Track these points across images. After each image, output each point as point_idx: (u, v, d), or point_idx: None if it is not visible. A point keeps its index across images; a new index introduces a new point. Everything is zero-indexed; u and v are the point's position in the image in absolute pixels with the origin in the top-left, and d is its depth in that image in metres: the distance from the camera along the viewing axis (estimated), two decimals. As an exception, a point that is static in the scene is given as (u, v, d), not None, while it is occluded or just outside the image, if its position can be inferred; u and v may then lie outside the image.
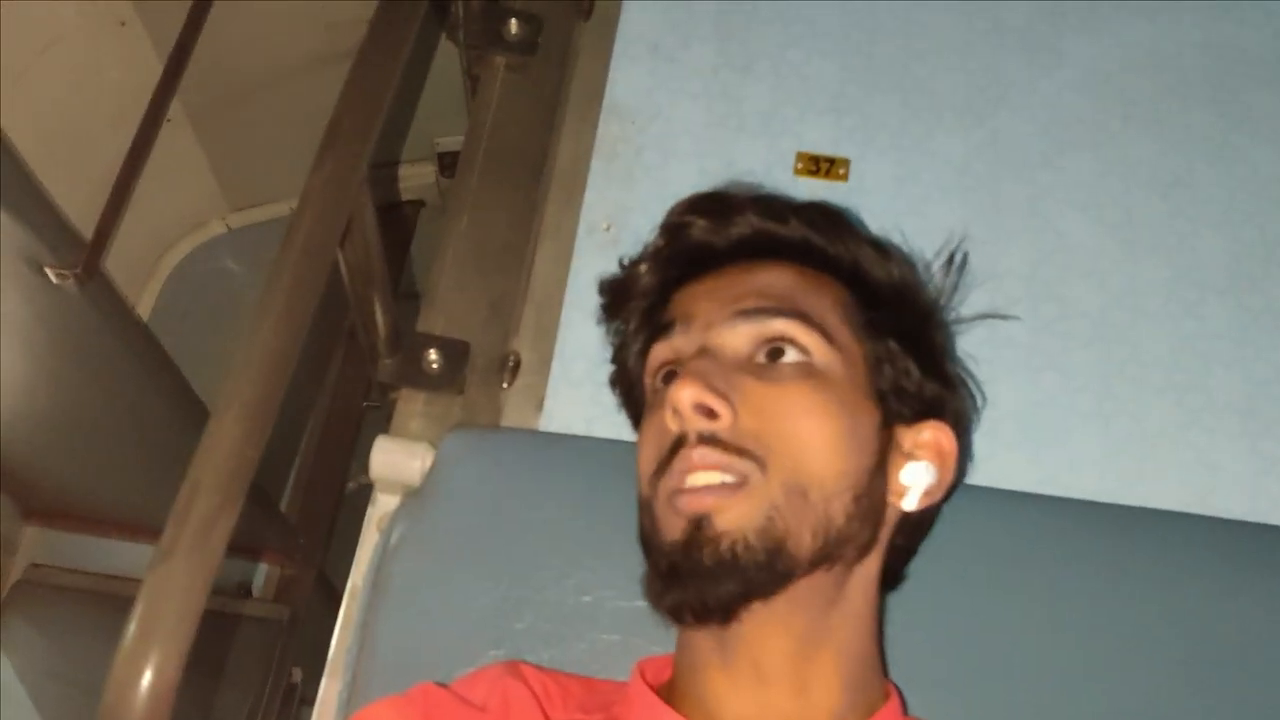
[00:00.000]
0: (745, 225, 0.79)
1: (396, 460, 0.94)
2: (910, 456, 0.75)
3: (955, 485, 0.79)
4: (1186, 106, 1.14)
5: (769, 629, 0.68)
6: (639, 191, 1.09)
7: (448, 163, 2.13)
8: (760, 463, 0.67)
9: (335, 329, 2.37)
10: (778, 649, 0.69)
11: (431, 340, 1.00)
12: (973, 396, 0.91)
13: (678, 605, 0.67)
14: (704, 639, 0.70)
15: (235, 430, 0.71)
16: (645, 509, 0.72)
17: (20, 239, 1.30)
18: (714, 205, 0.81)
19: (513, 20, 1.14)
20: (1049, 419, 0.99)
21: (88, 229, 1.52)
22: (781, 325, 0.72)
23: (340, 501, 2.38)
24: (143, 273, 2.08)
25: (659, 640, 0.83)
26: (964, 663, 0.84)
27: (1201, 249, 1.07)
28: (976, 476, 0.93)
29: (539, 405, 1.00)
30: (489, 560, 0.87)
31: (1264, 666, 0.83)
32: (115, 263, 1.74)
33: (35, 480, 2.00)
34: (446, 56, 1.51)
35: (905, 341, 0.78)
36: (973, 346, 0.97)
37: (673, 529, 0.68)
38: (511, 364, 1.02)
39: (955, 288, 0.92)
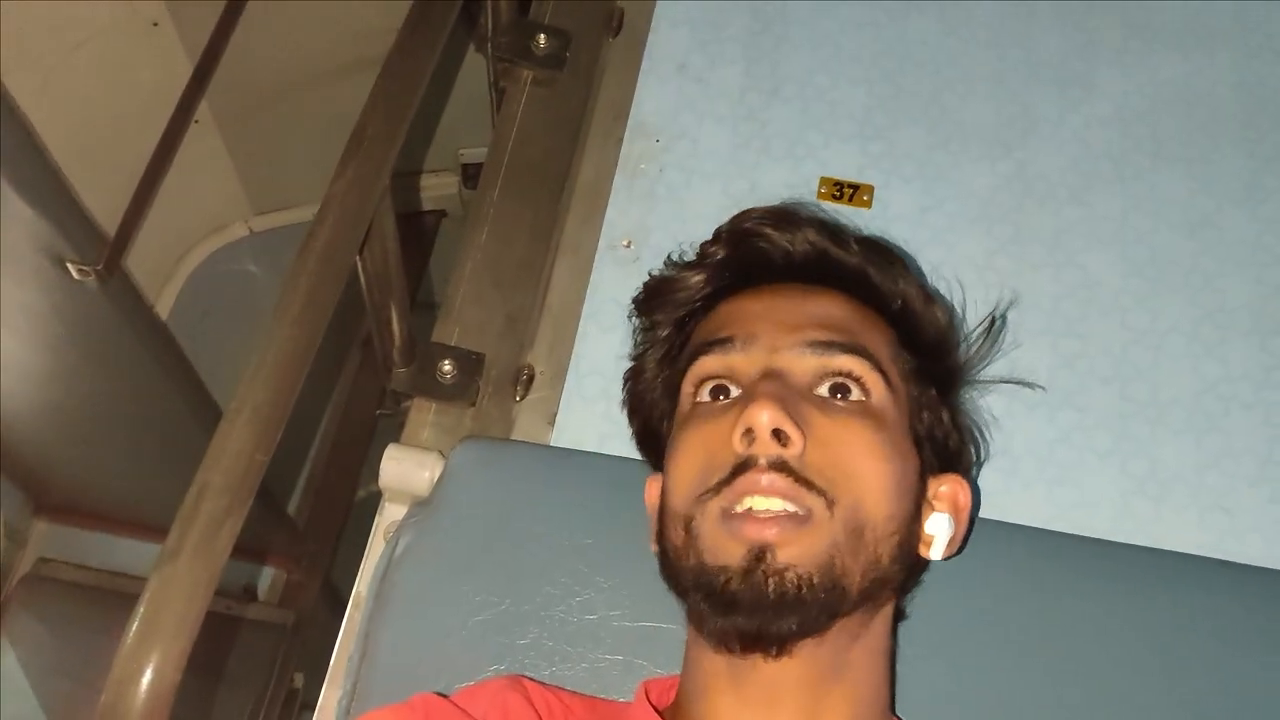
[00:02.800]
0: (809, 245, 0.78)
1: (406, 469, 0.93)
2: (932, 507, 0.76)
3: (968, 535, 0.79)
4: (1216, 146, 1.13)
5: (793, 661, 0.67)
6: (660, 211, 1.09)
7: (471, 174, 2.13)
8: (827, 499, 0.66)
9: (351, 336, 2.38)
10: (796, 680, 0.68)
11: (446, 350, 1.00)
12: (978, 450, 0.92)
13: (732, 632, 0.66)
14: (717, 663, 0.69)
15: (246, 434, 0.71)
16: (679, 523, 0.69)
17: (43, 233, 1.31)
18: (781, 219, 0.79)
19: (541, 35, 1.14)
20: (1065, 456, 0.98)
21: (111, 226, 1.53)
22: (848, 362, 0.71)
23: (349, 509, 2.39)
24: (164, 272, 2.10)
25: (663, 662, 0.82)
26: (973, 698, 0.82)
27: (1226, 290, 1.06)
28: (991, 510, 0.92)
29: (551, 420, 1.00)
30: (494, 574, 0.86)
31: (1271, 710, 0.82)
32: (137, 261, 1.76)
33: (46, 474, 2.00)
34: (473, 68, 1.52)
35: (942, 391, 0.79)
36: (992, 382, 0.96)
37: (727, 553, 0.66)
38: (525, 377, 1.02)
39: (991, 350, 0.93)
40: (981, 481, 0.94)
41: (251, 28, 1.72)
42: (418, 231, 2.33)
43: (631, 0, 1.21)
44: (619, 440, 0.98)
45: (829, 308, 0.75)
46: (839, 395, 0.71)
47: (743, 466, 0.67)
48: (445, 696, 0.73)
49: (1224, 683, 0.83)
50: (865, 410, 0.70)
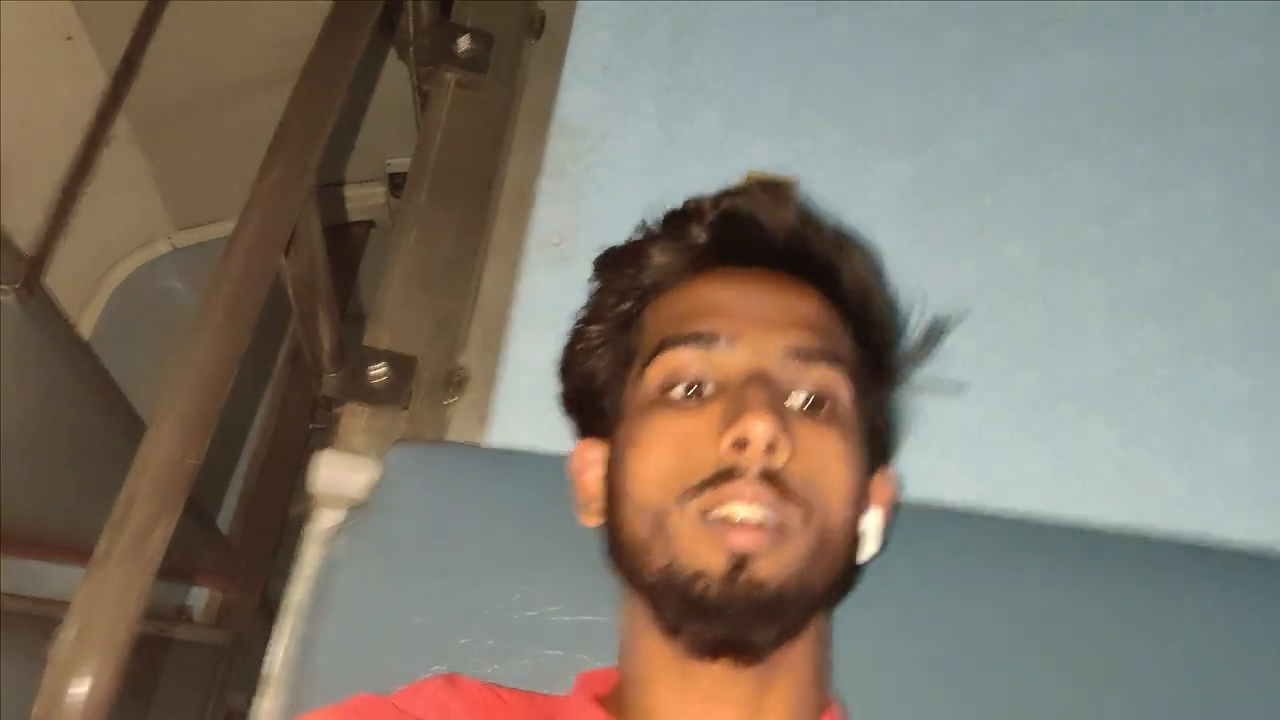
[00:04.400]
0: (792, 235, 0.76)
1: (339, 474, 0.93)
2: (868, 503, 0.76)
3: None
4: (1127, 135, 1.16)
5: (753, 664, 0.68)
6: (588, 210, 1.09)
7: (398, 183, 2.12)
8: (805, 510, 0.67)
9: (279, 349, 2.35)
10: (745, 677, 0.69)
11: (377, 355, 1.00)
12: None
13: (711, 639, 0.66)
14: (663, 655, 0.70)
15: (173, 439, 0.70)
16: (645, 516, 0.69)
17: (-42, 251, 1.28)
18: (767, 201, 0.78)
19: (463, 37, 1.14)
20: (993, 436, 1.00)
21: (30, 245, 1.50)
22: (827, 374, 0.71)
23: (284, 526, 2.35)
24: (85, 290, 2.05)
25: (603, 655, 0.82)
26: (906, 676, 0.84)
27: (1141, 274, 1.09)
28: (924, 491, 0.94)
29: (484, 421, 1.00)
30: (432, 575, 0.86)
31: (1196, 679, 0.84)
32: (57, 279, 1.72)
33: (-35, 501, 1.95)
34: (397, 77, 1.51)
35: (885, 389, 0.79)
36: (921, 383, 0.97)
37: (706, 558, 0.65)
38: (457, 379, 1.02)
39: (930, 354, 0.92)
40: (914, 464, 0.95)
41: (169, 39, 1.70)
42: (346, 242, 2.31)
43: (553, 2, 1.21)
44: (553, 439, 0.98)
45: (805, 305, 0.74)
46: (815, 404, 0.70)
47: (729, 473, 0.66)
48: (382, 696, 0.72)
49: (1148, 651, 0.85)
50: (837, 418, 0.71)
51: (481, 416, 1.00)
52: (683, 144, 1.13)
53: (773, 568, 0.65)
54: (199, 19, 1.75)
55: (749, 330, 0.71)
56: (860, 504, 0.72)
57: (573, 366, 0.81)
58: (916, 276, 1.04)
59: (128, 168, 1.93)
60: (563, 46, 1.17)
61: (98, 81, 1.68)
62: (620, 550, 0.71)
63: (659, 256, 0.77)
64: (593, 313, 0.81)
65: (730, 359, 0.70)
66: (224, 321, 0.73)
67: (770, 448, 0.65)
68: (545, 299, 1.04)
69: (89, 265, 2.03)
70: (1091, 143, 1.15)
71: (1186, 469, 1.00)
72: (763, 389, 0.67)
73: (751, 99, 1.15)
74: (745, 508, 0.65)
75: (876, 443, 0.77)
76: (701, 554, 0.65)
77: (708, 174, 1.10)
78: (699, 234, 0.77)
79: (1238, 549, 0.94)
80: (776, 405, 0.67)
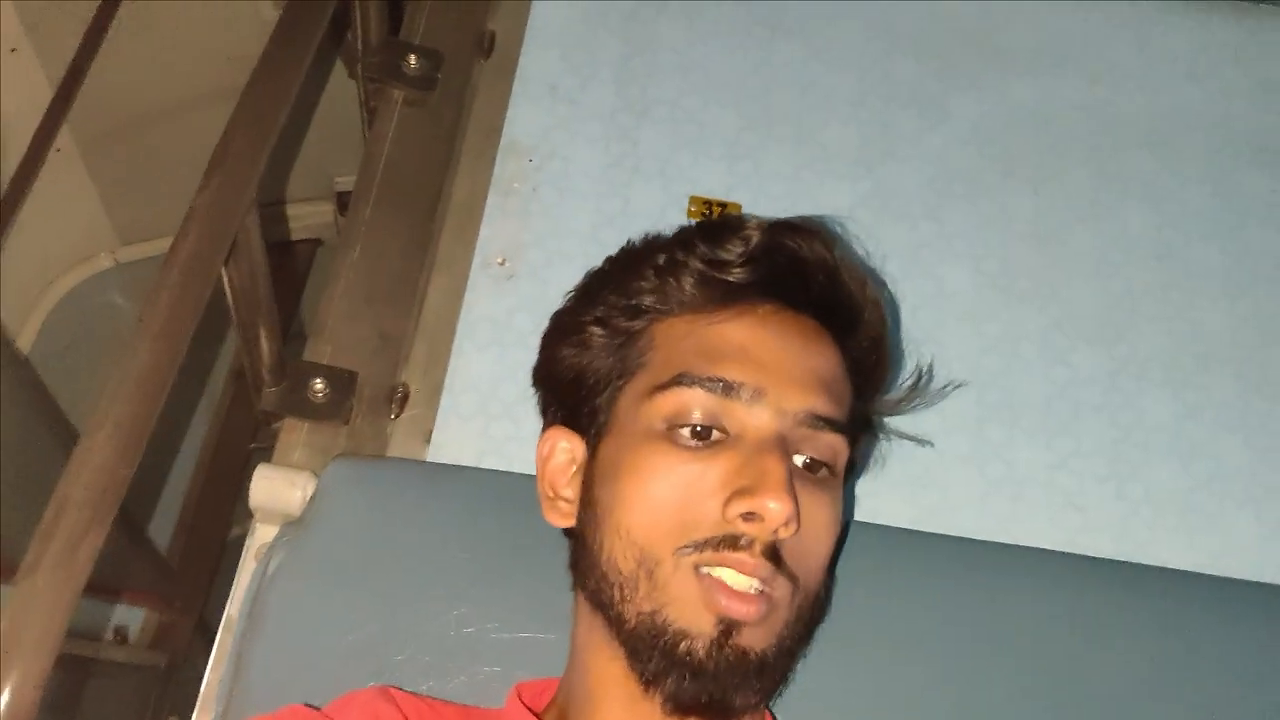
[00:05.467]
0: (825, 285, 0.75)
1: (277, 488, 0.92)
2: None
3: None
4: (1063, 164, 1.19)
5: None
6: (534, 228, 1.10)
7: (346, 201, 2.11)
8: (795, 585, 0.68)
9: (221, 369, 2.33)
10: None
11: (317, 369, 0.99)
12: None
13: (690, 698, 0.66)
14: (617, 676, 0.69)
15: (107, 448, 0.69)
16: (633, 554, 0.68)
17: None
18: (811, 242, 0.75)
19: (412, 55, 1.15)
20: (926, 459, 1.01)
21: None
22: (835, 442, 0.71)
23: (223, 547, 2.32)
24: (25, 305, 2.02)
25: (541, 671, 0.82)
26: (839, 691, 0.85)
27: (1074, 300, 1.11)
28: (857, 512, 0.95)
29: (427, 437, 1.00)
30: (369, 591, 0.85)
31: (1119, 694, 0.86)
32: (-4, 292, 1.70)
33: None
34: (348, 96, 1.51)
35: (864, 437, 0.81)
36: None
37: (697, 619, 0.66)
38: (400, 395, 1.02)
39: (914, 402, 0.93)
40: (846, 488, 0.97)
41: (115, 53, 1.69)
42: (292, 260, 2.29)
43: (502, 22, 1.22)
44: (496, 457, 0.98)
45: (826, 358, 0.73)
46: (817, 469, 0.71)
47: (734, 540, 0.66)
48: (314, 708, 0.72)
49: (1078, 671, 0.87)
50: (831, 484, 0.72)
51: (424, 433, 1.00)
52: (628, 165, 1.14)
53: (760, 637, 0.66)
54: (146, 33, 1.73)
55: (773, 387, 0.69)
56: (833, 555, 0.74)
57: (561, 355, 0.78)
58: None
59: (71, 181, 1.91)
60: (512, 66, 1.18)
61: (41, 94, 1.67)
62: (595, 571, 0.71)
63: (690, 283, 0.73)
64: (597, 309, 0.76)
65: (749, 415, 0.69)
66: (162, 330, 0.72)
67: (782, 527, 0.66)
68: (490, 317, 1.05)
69: (29, 279, 2.00)
70: (1029, 172, 1.18)
71: (1115, 492, 1.02)
72: (782, 463, 0.67)
73: (698, 122, 1.17)
74: (743, 578, 0.66)
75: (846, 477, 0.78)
76: (690, 614, 0.66)
77: (652, 195, 1.12)
78: (740, 271, 0.73)
79: (1169, 569, 0.96)
80: (790, 480, 0.66)
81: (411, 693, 0.76)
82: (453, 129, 1.15)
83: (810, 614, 0.71)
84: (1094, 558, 0.95)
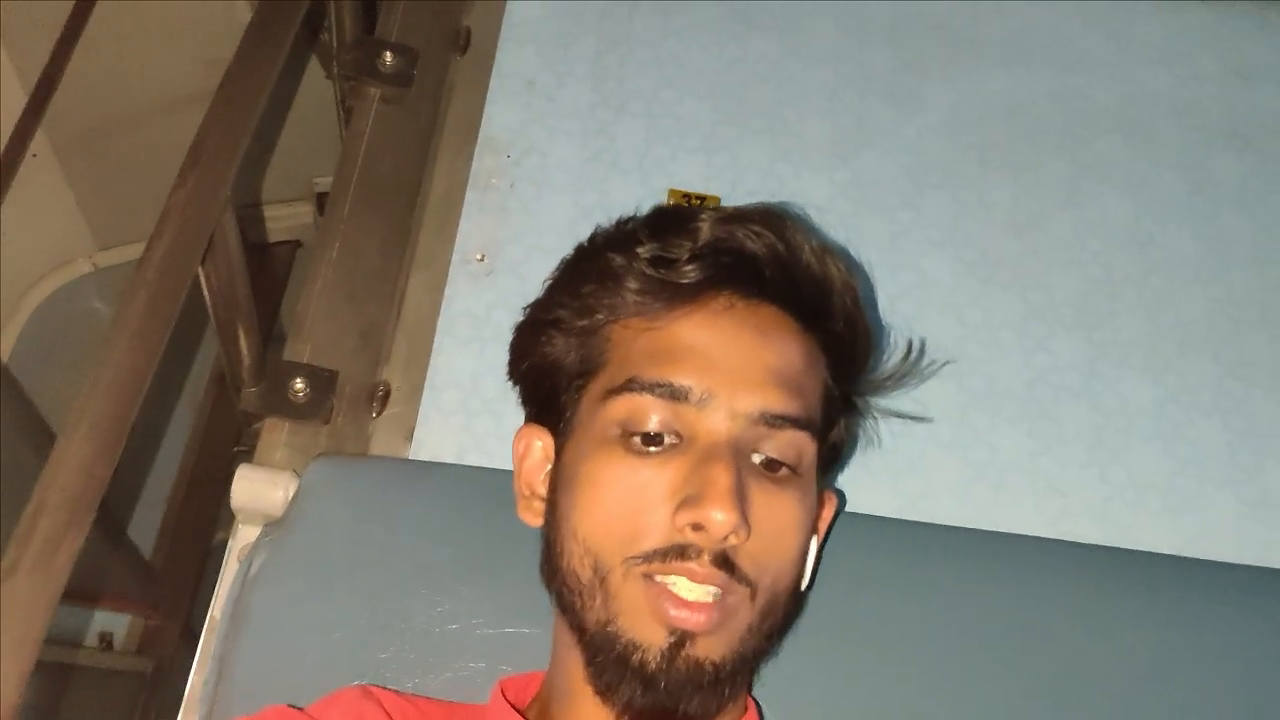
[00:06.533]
0: (783, 268, 0.72)
1: (258, 489, 0.91)
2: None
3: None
4: (1039, 152, 1.20)
5: None
6: (513, 224, 1.10)
7: (325, 203, 2.10)
8: (752, 590, 0.67)
9: (203, 373, 2.32)
10: None
11: (298, 368, 0.99)
12: None
13: (647, 709, 0.66)
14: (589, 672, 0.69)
15: (84, 448, 0.69)
16: (588, 560, 0.67)
17: None
18: (762, 232, 0.72)
19: (387, 52, 1.14)
20: (908, 446, 1.02)
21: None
22: (795, 439, 0.69)
23: (208, 551, 2.31)
24: (3, 311, 2.01)
25: (527, 666, 0.82)
26: (823, 679, 0.85)
27: (1052, 287, 1.12)
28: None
29: (408, 435, 0.99)
30: (352, 589, 0.85)
31: (1105, 678, 0.87)
32: (-28, 299, 1.69)
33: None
34: (326, 98, 1.51)
35: (849, 419, 0.79)
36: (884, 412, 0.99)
37: (648, 631, 0.65)
38: (381, 393, 1.01)
39: (904, 379, 0.92)
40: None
41: (91, 56, 1.67)
42: (273, 261, 2.29)
43: (478, 18, 1.22)
44: (478, 453, 0.98)
45: (785, 350, 0.71)
46: (776, 467, 0.69)
47: (682, 550, 0.65)
48: (297, 708, 0.72)
49: (1063, 655, 0.87)
50: (795, 481, 0.69)
51: (405, 431, 1.00)
52: (606, 160, 1.14)
53: (714, 646, 0.65)
54: (120, 37, 1.72)
55: (724, 388, 0.68)
56: (808, 551, 0.72)
57: (528, 353, 0.77)
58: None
59: (47, 186, 1.90)
60: (489, 62, 1.18)
61: (16, 98, 1.65)
62: (558, 576, 0.70)
63: (637, 288, 0.71)
64: (560, 317, 0.75)
65: (701, 418, 0.67)
66: (139, 329, 0.72)
67: (728, 537, 0.65)
68: (469, 313, 1.04)
69: (6, 286, 1.99)
70: (1005, 160, 1.19)
71: (1096, 477, 1.03)
72: (729, 469, 0.65)
73: (674, 116, 1.17)
74: (694, 588, 0.65)
75: (827, 467, 0.77)
76: (641, 625, 0.65)
77: (631, 189, 1.12)
78: (686, 270, 0.70)
79: (1151, 553, 0.97)
80: (740, 486, 0.65)
81: (395, 691, 0.76)
82: (430, 126, 1.15)
83: (778, 615, 0.70)
84: (1077, 543, 0.95)
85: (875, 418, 0.96)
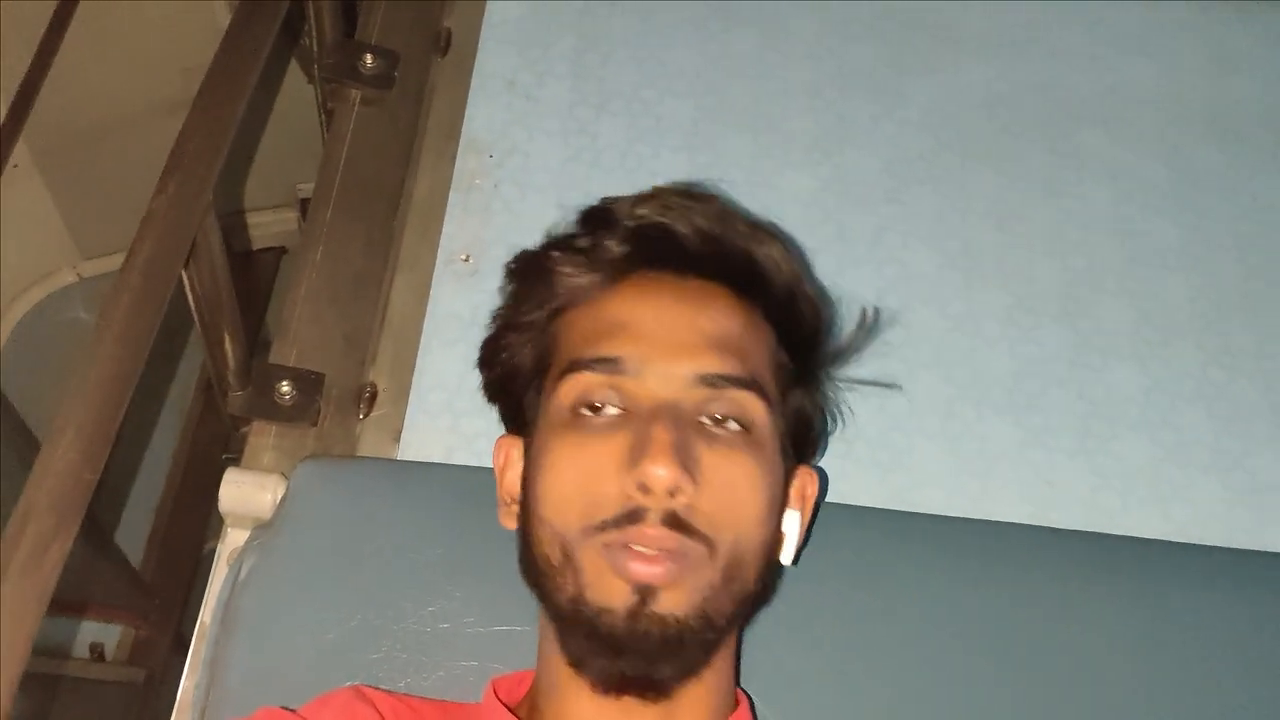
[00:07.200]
0: (705, 239, 0.74)
1: (246, 492, 0.91)
2: (786, 504, 0.76)
3: (813, 522, 0.81)
4: (1020, 144, 1.20)
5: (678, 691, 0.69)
6: (497, 224, 1.10)
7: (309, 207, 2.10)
8: (710, 545, 0.67)
9: (190, 381, 2.31)
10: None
11: (284, 371, 0.98)
12: (826, 434, 0.93)
13: (616, 676, 0.66)
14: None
15: (71, 452, 0.68)
16: (555, 541, 0.68)
17: None
18: (679, 207, 0.75)
19: (368, 55, 1.14)
20: (896, 439, 1.02)
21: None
22: (739, 397, 0.70)
23: (198, 559, 2.31)
24: (-13, 323, 2.00)
25: (518, 664, 0.82)
26: (814, 670, 0.85)
27: (1037, 277, 1.12)
28: (830, 494, 0.96)
29: (396, 436, 0.99)
30: (342, 591, 0.85)
31: (1097, 664, 0.87)
32: (-45, 311, 1.68)
33: None
34: (308, 103, 1.51)
35: (810, 387, 0.79)
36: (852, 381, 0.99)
37: (611, 592, 0.65)
38: (368, 395, 1.01)
39: (863, 346, 0.93)
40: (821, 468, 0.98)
41: (71, 65, 1.67)
42: (258, 267, 2.28)
43: (458, 19, 1.22)
44: (465, 453, 0.98)
45: (722, 322, 0.72)
46: (723, 424, 0.70)
47: (633, 516, 0.66)
48: (290, 710, 0.72)
49: (1054, 643, 0.88)
50: (748, 441, 0.70)
51: (393, 432, 1.00)
52: (588, 158, 1.14)
53: (676, 600, 0.65)
54: (100, 46, 1.72)
55: (656, 356, 0.70)
56: (777, 516, 0.73)
57: (492, 364, 0.81)
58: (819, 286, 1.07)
59: (30, 197, 1.89)
60: (469, 63, 1.18)
61: (-4, 108, 1.65)
62: (533, 566, 0.71)
63: (569, 274, 0.75)
64: (509, 318, 0.80)
65: (637, 386, 0.69)
66: (123, 333, 0.72)
67: (672, 492, 0.65)
68: (455, 313, 1.04)
69: (-10, 297, 1.99)
70: (987, 152, 1.19)
71: (1084, 466, 1.03)
72: (667, 428, 0.66)
73: (656, 114, 1.17)
74: (648, 549, 0.65)
75: (799, 442, 0.78)
76: (606, 590, 0.66)
77: (614, 188, 1.10)
78: (610, 248, 0.74)
79: (1139, 539, 0.97)
80: (681, 441, 0.66)
81: (388, 691, 0.76)
82: (411, 127, 1.15)
83: (746, 579, 0.69)
84: (1066, 530, 0.96)
85: (841, 387, 0.96)
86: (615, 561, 0.65)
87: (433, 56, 1.20)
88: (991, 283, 1.11)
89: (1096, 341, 1.10)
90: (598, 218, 0.77)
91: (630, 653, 0.65)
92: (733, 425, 0.70)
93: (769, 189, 1.14)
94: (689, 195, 0.76)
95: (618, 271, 0.74)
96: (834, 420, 0.97)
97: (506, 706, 0.73)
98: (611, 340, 0.71)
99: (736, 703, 0.75)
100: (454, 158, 1.13)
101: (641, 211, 0.75)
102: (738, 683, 0.78)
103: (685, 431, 0.67)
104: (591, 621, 0.66)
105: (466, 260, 1.07)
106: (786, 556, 0.75)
